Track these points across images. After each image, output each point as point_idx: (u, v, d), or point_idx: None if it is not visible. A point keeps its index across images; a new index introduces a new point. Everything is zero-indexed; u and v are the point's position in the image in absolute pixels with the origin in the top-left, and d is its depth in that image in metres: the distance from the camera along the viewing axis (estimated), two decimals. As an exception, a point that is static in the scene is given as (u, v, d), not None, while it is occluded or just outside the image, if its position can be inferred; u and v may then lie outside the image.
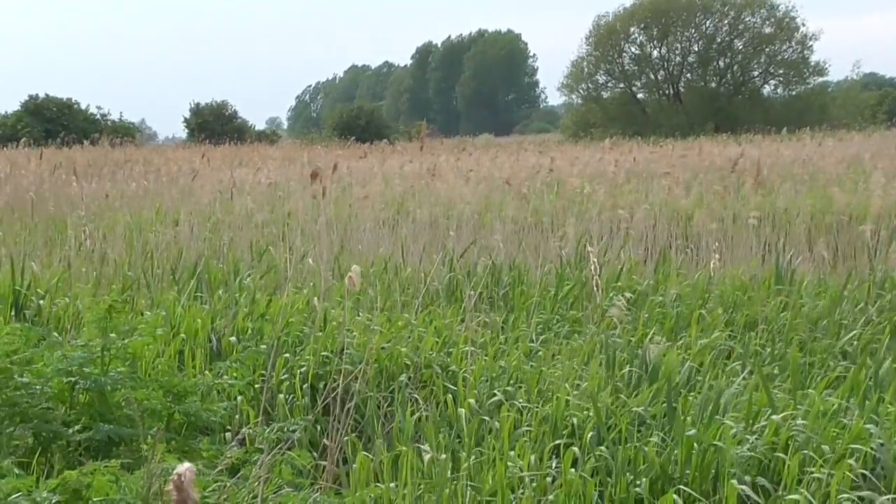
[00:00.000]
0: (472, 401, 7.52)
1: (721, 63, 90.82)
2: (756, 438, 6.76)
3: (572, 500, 6.23)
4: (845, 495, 6.08)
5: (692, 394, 7.74)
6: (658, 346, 8.34)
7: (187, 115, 78.81)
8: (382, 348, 8.37)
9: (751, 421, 7.02)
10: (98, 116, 73.02)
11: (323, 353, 8.33)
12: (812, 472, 6.31)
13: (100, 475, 4.86)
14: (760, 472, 6.53)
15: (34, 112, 68.57)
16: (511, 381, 8.12)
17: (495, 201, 19.89)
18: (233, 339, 8.86)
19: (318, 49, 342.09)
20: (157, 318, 7.74)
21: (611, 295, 10.86)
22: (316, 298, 8.62)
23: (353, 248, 14.64)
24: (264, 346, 8.31)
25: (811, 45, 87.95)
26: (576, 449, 6.67)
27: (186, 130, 78.02)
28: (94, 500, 4.77)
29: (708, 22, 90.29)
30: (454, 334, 9.20)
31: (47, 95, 71.01)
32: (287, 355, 8.27)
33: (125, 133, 65.16)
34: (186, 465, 2.34)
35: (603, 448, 6.69)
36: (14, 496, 4.63)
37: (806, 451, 6.50)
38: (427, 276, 11.46)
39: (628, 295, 9.96)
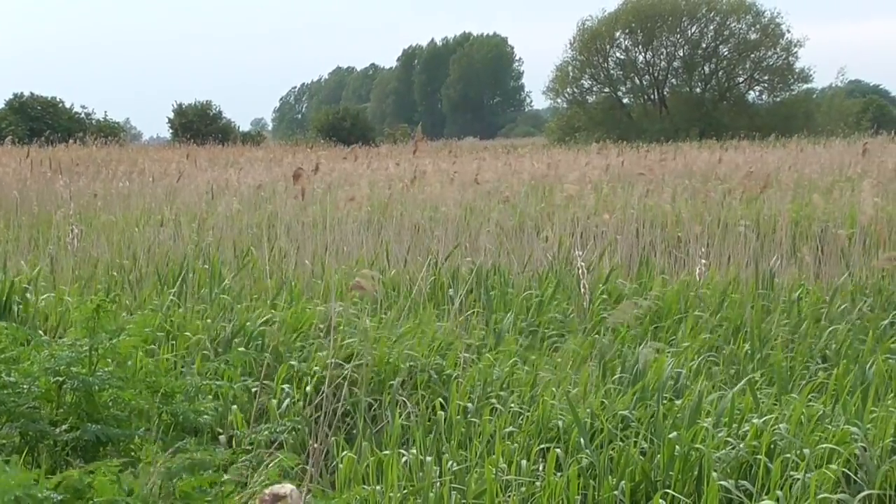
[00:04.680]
0: (460, 403, 7.56)
1: (706, 69, 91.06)
2: (738, 442, 6.82)
3: (556, 502, 6.27)
4: (824, 496, 6.13)
5: (677, 398, 7.78)
6: (651, 350, 8.35)
7: (171, 115, 78.66)
8: (377, 348, 8.39)
9: (735, 425, 7.07)
10: (83, 115, 72.83)
11: (316, 356, 8.36)
12: (793, 475, 6.37)
13: (101, 475, 4.87)
14: (742, 475, 6.59)
15: (18, 110, 68.41)
16: (503, 385, 8.16)
17: (480, 205, 19.91)
18: (225, 340, 8.87)
19: (303, 50, 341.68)
20: (145, 317, 7.74)
21: (603, 300, 10.92)
22: (334, 302, 8.63)
23: (337, 249, 14.63)
24: (254, 349, 8.34)
25: (796, 52, 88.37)
26: (559, 451, 6.71)
27: (171, 130, 77.80)
28: (97, 500, 4.77)
29: (693, 27, 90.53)
30: (442, 337, 9.22)
31: (32, 94, 70.86)
32: (278, 356, 8.30)
33: (110, 132, 65.05)
34: (289, 486, 2.30)
35: (587, 451, 6.73)
36: (16, 492, 4.62)
37: (788, 455, 6.56)
38: (411, 279, 11.48)
39: (646, 303, 9.95)
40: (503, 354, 8.99)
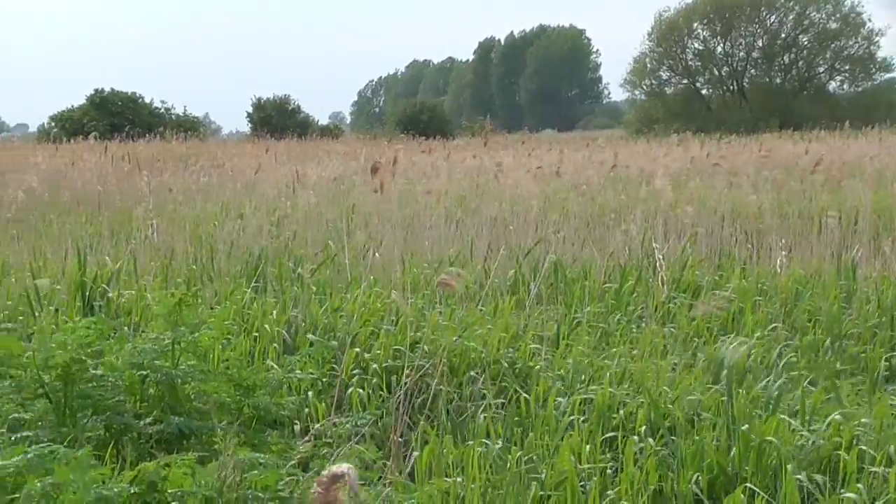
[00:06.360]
0: (550, 397, 7.54)
1: (786, 59, 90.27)
2: (818, 438, 6.74)
3: (636, 493, 6.23)
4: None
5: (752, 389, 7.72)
6: (738, 348, 8.24)
7: (250, 109, 79.10)
8: (455, 340, 8.36)
9: (811, 417, 7.00)
10: (162, 110, 73.33)
11: (394, 348, 8.36)
12: (872, 469, 6.28)
13: (176, 468, 4.90)
14: (822, 470, 6.51)
15: (100, 106, 68.99)
16: (576, 376, 8.13)
17: (560, 197, 19.85)
18: (309, 336, 8.88)
19: (380, 43, 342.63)
20: (226, 311, 7.78)
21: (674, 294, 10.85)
22: (395, 292, 8.62)
23: (418, 243, 14.63)
24: (335, 342, 8.35)
25: (878, 41, 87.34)
26: (636, 439, 6.68)
27: (249, 125, 78.25)
28: (170, 492, 4.81)
29: (772, 17, 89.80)
30: (521, 329, 9.20)
31: (112, 90, 71.47)
32: (357, 350, 8.30)
33: (189, 127, 65.43)
34: (346, 465, 2.30)
35: (651, 440, 6.71)
36: (93, 486, 4.67)
37: (864, 448, 6.48)
38: (493, 273, 11.45)
39: (725, 295, 9.90)
40: (578, 345, 8.98)
